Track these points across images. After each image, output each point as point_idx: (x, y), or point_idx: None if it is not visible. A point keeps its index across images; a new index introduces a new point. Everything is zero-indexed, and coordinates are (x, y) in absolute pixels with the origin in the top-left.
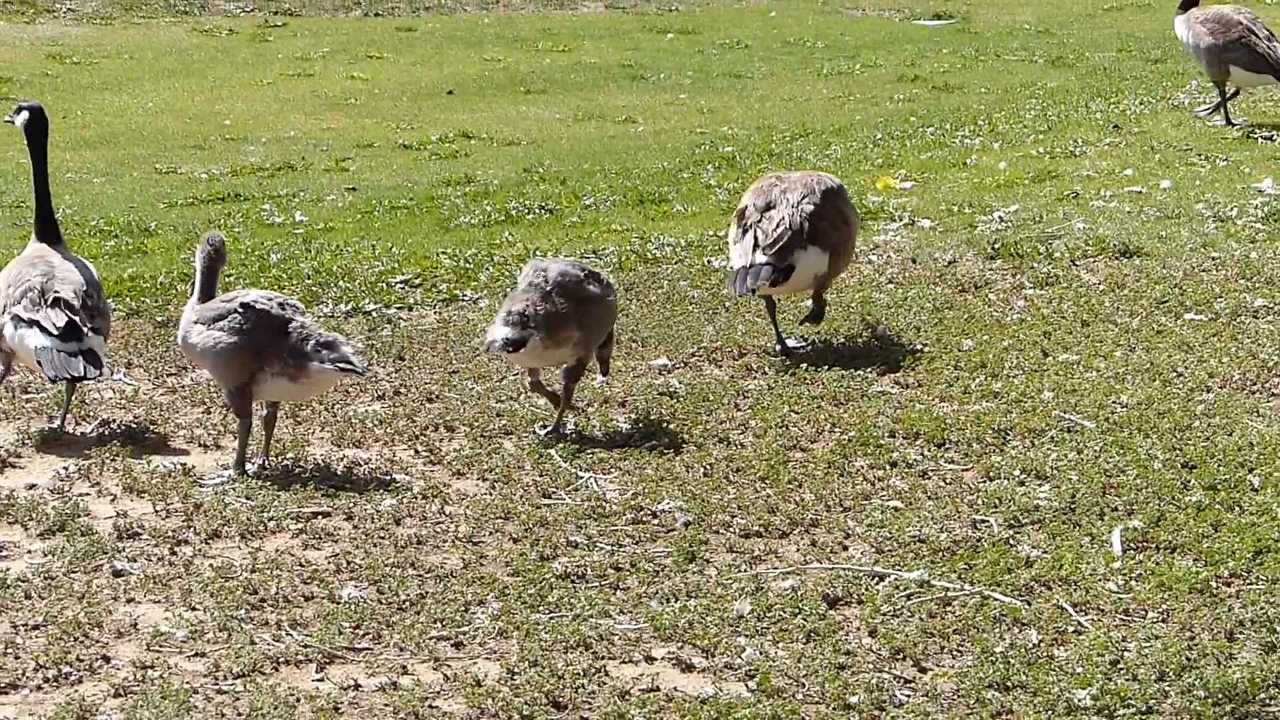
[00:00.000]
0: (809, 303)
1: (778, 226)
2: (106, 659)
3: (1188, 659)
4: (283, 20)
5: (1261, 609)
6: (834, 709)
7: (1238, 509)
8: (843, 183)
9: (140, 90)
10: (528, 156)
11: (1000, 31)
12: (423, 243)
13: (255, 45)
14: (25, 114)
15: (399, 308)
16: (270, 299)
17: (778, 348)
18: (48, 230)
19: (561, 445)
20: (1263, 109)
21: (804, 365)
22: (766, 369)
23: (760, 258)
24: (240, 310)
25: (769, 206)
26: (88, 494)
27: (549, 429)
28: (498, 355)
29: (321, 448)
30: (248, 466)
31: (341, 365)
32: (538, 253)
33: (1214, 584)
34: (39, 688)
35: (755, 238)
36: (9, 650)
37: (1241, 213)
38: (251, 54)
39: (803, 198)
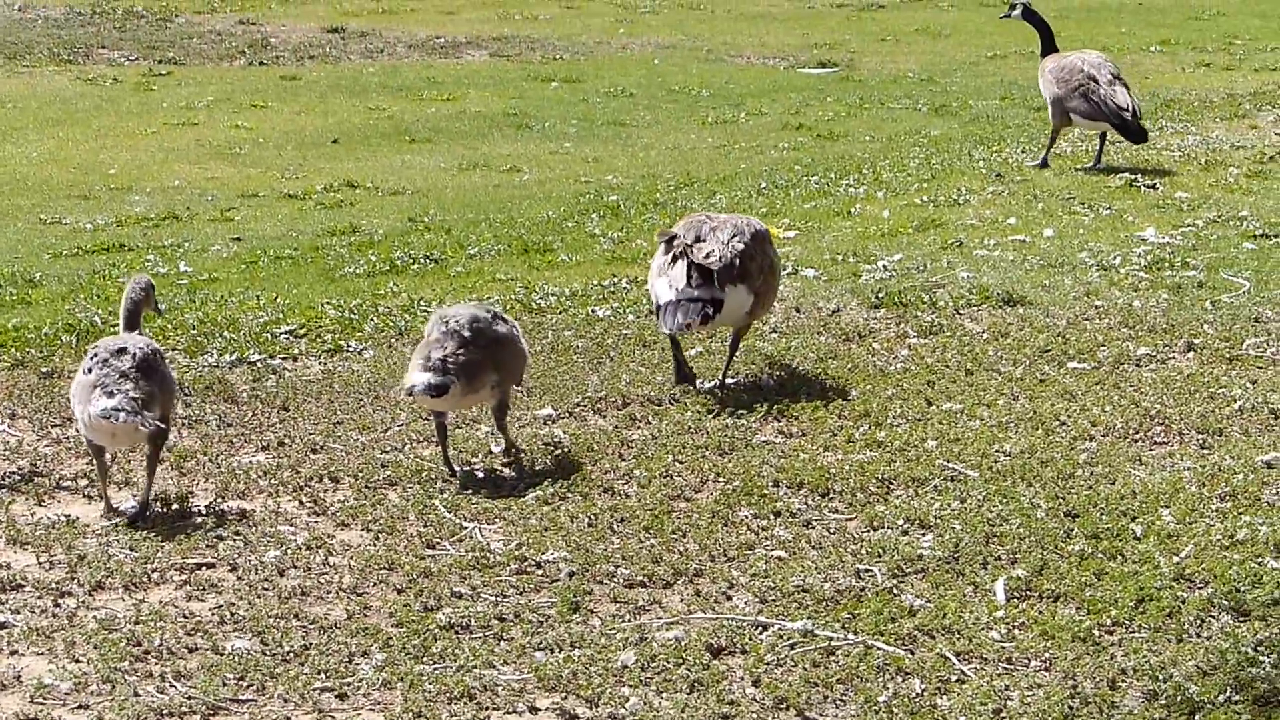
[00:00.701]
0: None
1: (708, 257)
2: None
3: (1070, 707)
4: (167, 69)
5: (1144, 657)
6: None
7: (1120, 557)
8: (767, 228)
9: (24, 139)
10: (413, 206)
11: (884, 79)
12: (307, 293)
13: (139, 94)
14: None
15: (283, 358)
16: (97, 349)
17: (675, 378)
18: None
19: (445, 495)
20: (1144, 157)
21: (688, 414)
22: (650, 419)
23: (690, 290)
24: (88, 355)
25: (699, 239)
26: None
27: (510, 460)
28: (420, 400)
29: (205, 498)
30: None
31: (103, 415)
32: (423, 302)
33: (1096, 632)
34: None
35: (686, 267)
36: None
37: (1124, 261)
38: (136, 103)
39: (733, 236)
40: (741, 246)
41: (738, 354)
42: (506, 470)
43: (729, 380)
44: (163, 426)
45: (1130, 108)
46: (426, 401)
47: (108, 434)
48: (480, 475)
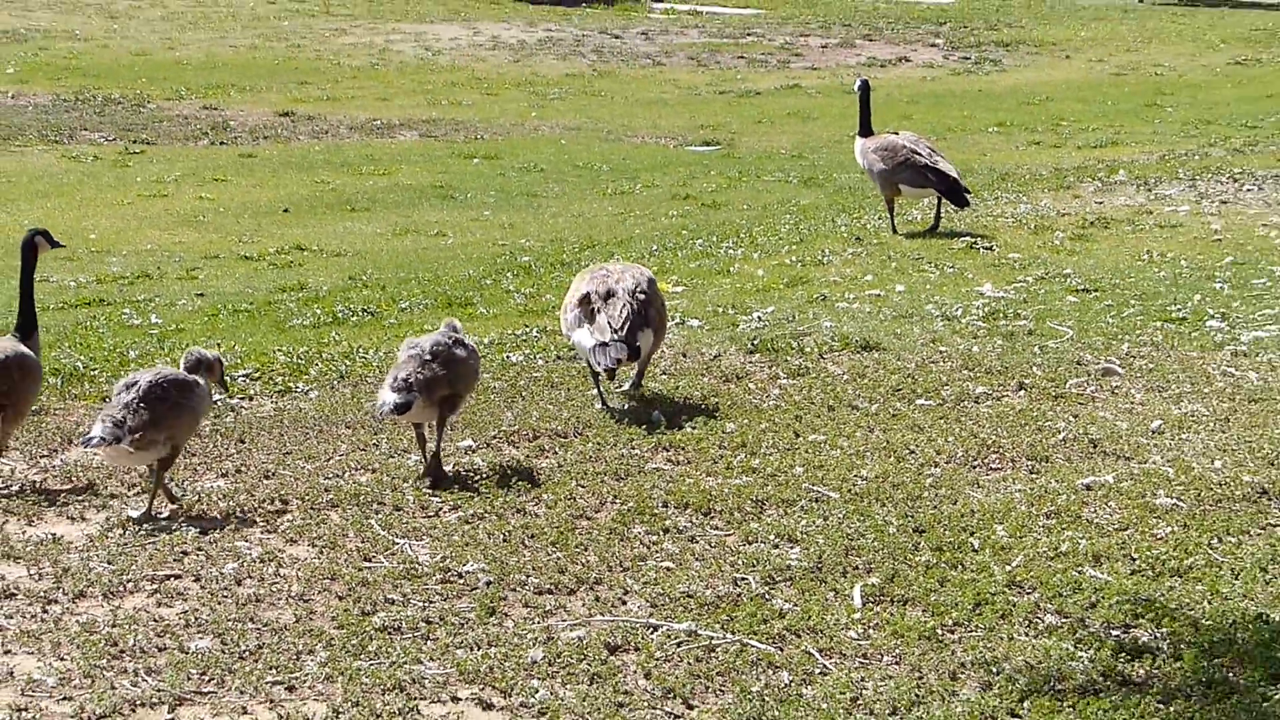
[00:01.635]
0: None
1: (623, 311)
2: None
3: (917, 696)
4: (141, 148)
5: (980, 652)
6: None
7: (960, 567)
8: (652, 274)
9: (16, 209)
10: (353, 266)
11: (760, 156)
12: (261, 341)
13: (117, 170)
14: None
15: (241, 398)
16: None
17: (599, 405)
18: None
19: (380, 515)
20: (983, 222)
21: (589, 445)
22: (557, 449)
23: (613, 338)
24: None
25: (609, 294)
26: None
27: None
28: (388, 417)
29: (175, 518)
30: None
31: (83, 443)
32: (361, 349)
33: (940, 631)
34: None
35: (606, 321)
36: None
37: (965, 312)
38: (114, 178)
39: (635, 287)
40: (644, 296)
41: (646, 370)
42: (434, 496)
43: (635, 390)
44: (136, 447)
45: (952, 175)
46: (395, 419)
47: (103, 458)
48: (410, 498)
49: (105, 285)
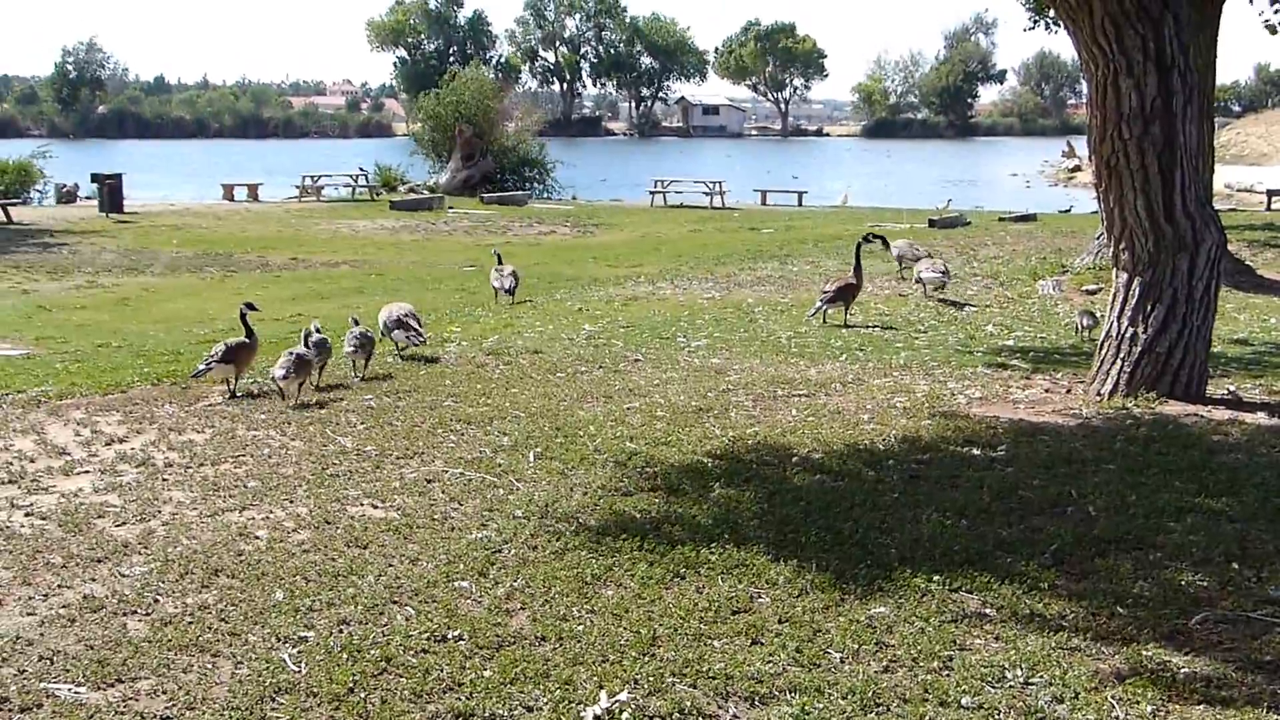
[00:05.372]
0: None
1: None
2: None
3: (562, 490)
4: (230, 275)
5: (593, 474)
6: None
7: (574, 442)
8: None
9: (182, 300)
10: (322, 318)
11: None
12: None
13: (220, 284)
14: None
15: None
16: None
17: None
18: None
19: (329, 427)
20: (589, 298)
21: (424, 395)
22: (402, 397)
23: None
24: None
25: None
26: None
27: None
28: (276, 382)
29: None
30: None
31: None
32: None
33: (565, 470)
34: None
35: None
36: None
37: (578, 336)
38: (219, 287)
39: (387, 317)
40: (372, 332)
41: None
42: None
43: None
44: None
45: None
46: (280, 384)
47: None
48: (344, 420)
49: (216, 332)
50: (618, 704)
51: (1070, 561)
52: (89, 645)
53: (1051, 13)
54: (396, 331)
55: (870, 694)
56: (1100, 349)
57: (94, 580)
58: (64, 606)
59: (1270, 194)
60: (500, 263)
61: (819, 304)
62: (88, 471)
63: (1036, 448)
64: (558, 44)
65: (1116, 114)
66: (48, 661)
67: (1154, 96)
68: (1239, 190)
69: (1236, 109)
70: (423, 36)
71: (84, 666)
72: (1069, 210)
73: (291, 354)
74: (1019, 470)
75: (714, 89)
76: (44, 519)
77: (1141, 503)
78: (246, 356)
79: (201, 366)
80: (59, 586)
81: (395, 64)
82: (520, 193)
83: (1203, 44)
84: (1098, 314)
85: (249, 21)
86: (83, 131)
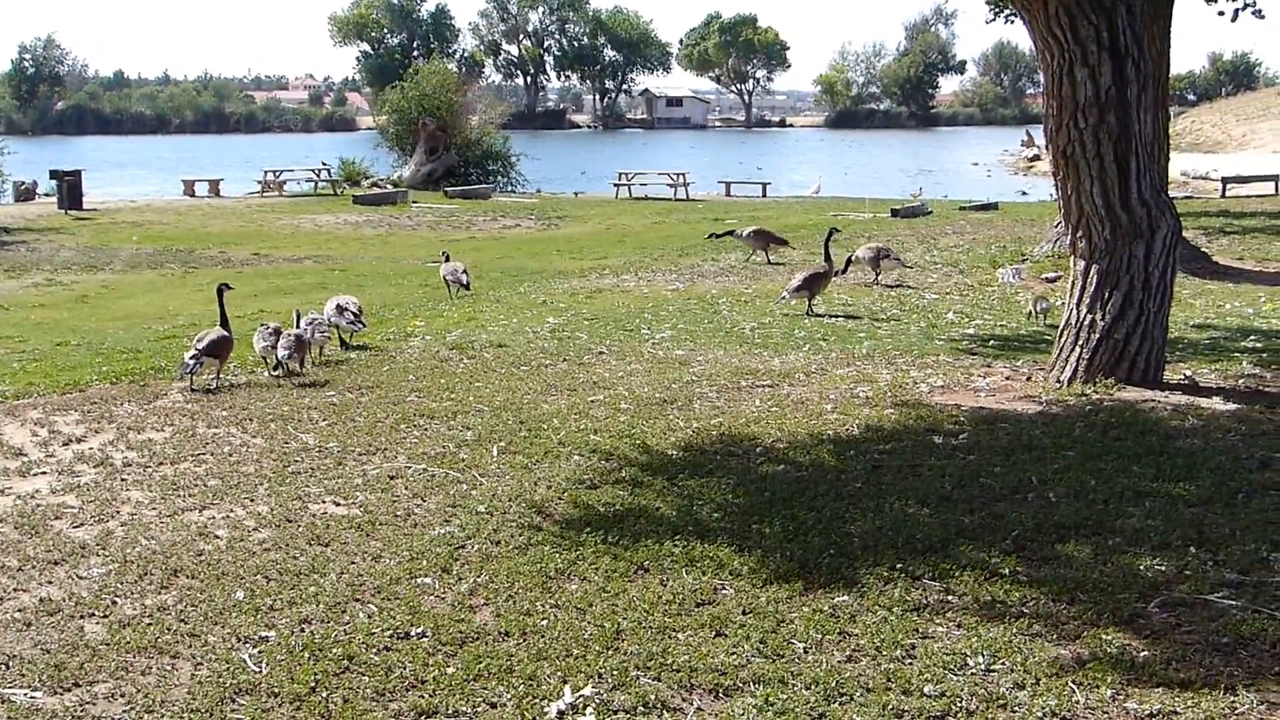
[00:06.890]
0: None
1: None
2: None
3: (525, 486)
4: (191, 271)
5: (556, 467)
6: None
7: (538, 435)
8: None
9: (143, 296)
10: (284, 311)
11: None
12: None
13: (181, 280)
14: None
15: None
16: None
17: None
18: None
19: (289, 424)
20: (552, 290)
21: (384, 391)
22: (364, 393)
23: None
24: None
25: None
26: None
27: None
28: (283, 362)
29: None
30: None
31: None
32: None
33: (529, 464)
34: None
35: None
36: None
37: (541, 330)
38: (180, 284)
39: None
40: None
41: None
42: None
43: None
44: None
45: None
46: (205, 361)
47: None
48: (304, 416)
49: (177, 328)
50: (581, 699)
51: (1031, 548)
52: (45, 649)
53: (1009, 6)
54: (334, 316)
55: (834, 684)
56: (1059, 336)
57: (51, 583)
58: (19, 610)
59: (1225, 181)
60: (448, 260)
61: (784, 294)
62: (45, 472)
63: (997, 435)
64: (521, 37)
65: (1072, 103)
66: (3, 666)
67: (1109, 86)
68: (1194, 178)
69: (1191, 98)
70: (385, 30)
71: (40, 671)
72: (1025, 194)
73: (290, 335)
74: (980, 458)
75: (678, 81)
76: (0, 521)
77: (1100, 488)
78: (228, 348)
79: (190, 361)
80: (14, 590)
81: (358, 58)
82: (484, 186)
83: (1156, 34)
84: (1051, 299)
85: (210, 16)
86: (41, 128)
